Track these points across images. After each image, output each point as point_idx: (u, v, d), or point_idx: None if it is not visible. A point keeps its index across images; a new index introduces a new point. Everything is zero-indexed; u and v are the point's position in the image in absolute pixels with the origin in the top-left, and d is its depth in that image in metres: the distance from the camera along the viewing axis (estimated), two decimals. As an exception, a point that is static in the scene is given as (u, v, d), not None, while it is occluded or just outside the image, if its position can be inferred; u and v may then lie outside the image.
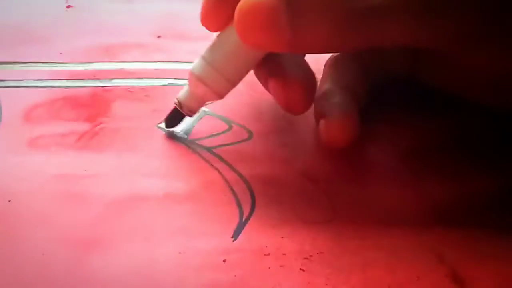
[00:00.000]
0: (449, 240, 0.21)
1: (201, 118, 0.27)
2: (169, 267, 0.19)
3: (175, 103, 0.25)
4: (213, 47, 0.23)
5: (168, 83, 0.30)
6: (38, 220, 0.20)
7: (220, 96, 0.24)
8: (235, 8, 0.20)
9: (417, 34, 0.20)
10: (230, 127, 0.27)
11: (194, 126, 0.26)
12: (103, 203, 0.21)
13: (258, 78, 0.26)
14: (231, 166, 0.24)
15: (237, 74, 0.23)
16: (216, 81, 0.23)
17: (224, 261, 0.19)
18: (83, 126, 0.26)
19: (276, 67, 0.23)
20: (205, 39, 0.36)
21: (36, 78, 0.29)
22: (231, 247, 0.20)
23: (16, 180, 0.22)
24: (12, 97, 0.27)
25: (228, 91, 0.24)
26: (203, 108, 0.28)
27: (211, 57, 0.23)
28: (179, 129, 0.26)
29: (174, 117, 0.25)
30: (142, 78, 0.30)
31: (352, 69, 0.26)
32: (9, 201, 0.21)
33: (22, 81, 0.29)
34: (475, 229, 0.21)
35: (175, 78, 0.30)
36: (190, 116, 0.25)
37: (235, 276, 0.19)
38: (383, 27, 0.19)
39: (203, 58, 0.23)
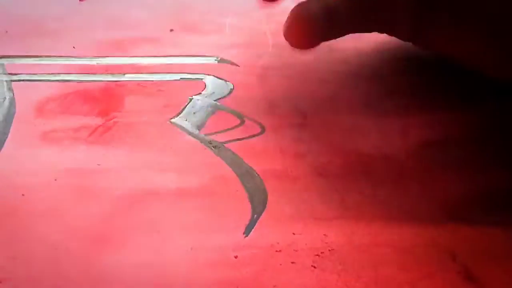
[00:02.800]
0: (461, 238, 0.21)
1: (213, 113, 0.27)
2: (181, 262, 0.19)
3: None
4: None
5: (181, 78, 0.30)
6: (51, 214, 0.21)
7: None
8: None
9: None
10: (243, 122, 0.26)
11: (206, 121, 0.26)
12: (116, 197, 0.22)
13: None
14: (243, 161, 0.24)
15: None
16: None
17: (235, 257, 0.19)
18: (95, 121, 0.26)
19: None
20: (217, 32, 0.36)
21: (49, 72, 0.29)
22: (243, 243, 0.20)
23: (29, 174, 0.22)
24: (25, 91, 0.28)
25: None
26: (215, 103, 0.28)
27: None
28: (191, 124, 0.26)
29: None
30: (154, 73, 0.30)
31: None
32: (23, 195, 0.21)
33: (35, 75, 0.29)
34: (487, 227, 0.21)
35: (187, 73, 0.30)
36: None
37: (246, 272, 0.19)
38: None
39: None
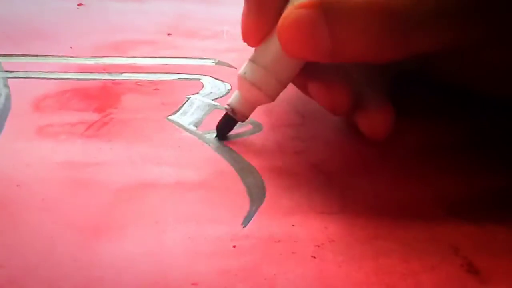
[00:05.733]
0: (463, 233, 0.20)
1: (211, 111, 0.27)
2: (179, 252, 0.19)
3: (227, 110, 0.24)
4: (262, 51, 0.23)
5: (178, 78, 0.30)
6: (46, 205, 0.20)
7: (273, 99, 0.23)
8: (275, 22, 0.21)
9: (452, 39, 0.20)
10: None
11: (204, 119, 0.26)
12: (113, 189, 0.21)
13: (294, 82, 0.25)
14: (241, 157, 0.24)
15: (288, 75, 0.23)
16: (269, 84, 0.23)
17: (234, 247, 0.19)
18: (92, 116, 0.26)
19: (314, 70, 0.23)
20: (214, 37, 0.36)
21: (46, 70, 0.29)
22: (242, 234, 0.20)
23: (25, 166, 0.22)
24: (22, 88, 0.27)
25: (279, 93, 0.23)
26: (212, 102, 0.28)
27: (264, 61, 0.23)
28: (188, 121, 0.26)
29: (226, 125, 0.25)
30: (152, 72, 0.30)
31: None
32: (17, 185, 0.21)
33: (31, 73, 0.29)
34: (488, 223, 0.21)
35: (184, 73, 0.30)
36: (242, 121, 0.25)
37: (245, 261, 0.18)
38: (419, 36, 0.20)
39: (254, 62, 0.23)
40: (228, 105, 0.24)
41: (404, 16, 0.19)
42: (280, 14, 0.21)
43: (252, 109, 0.24)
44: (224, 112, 0.24)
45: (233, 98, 0.24)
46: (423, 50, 0.20)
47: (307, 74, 0.23)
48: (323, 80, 0.23)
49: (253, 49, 0.24)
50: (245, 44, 0.35)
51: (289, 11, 0.20)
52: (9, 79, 0.28)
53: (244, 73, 0.23)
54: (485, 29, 0.20)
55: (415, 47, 0.20)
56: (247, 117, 0.24)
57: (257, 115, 0.27)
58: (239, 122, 0.25)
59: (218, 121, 0.25)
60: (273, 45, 0.22)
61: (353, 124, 0.24)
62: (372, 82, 0.25)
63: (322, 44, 0.20)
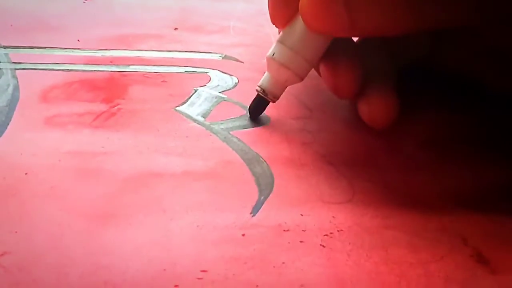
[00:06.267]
0: (472, 224, 0.20)
1: (218, 103, 0.27)
2: (187, 240, 0.18)
3: (258, 91, 0.25)
4: (289, 32, 0.23)
5: (185, 71, 0.30)
6: (54, 193, 0.20)
7: (302, 78, 0.24)
8: (298, 3, 0.21)
9: (468, 14, 0.20)
10: (248, 112, 0.26)
11: (211, 110, 0.26)
12: (120, 178, 0.21)
13: None
14: (249, 147, 0.24)
15: (315, 54, 0.24)
16: (297, 63, 0.23)
17: (243, 235, 0.19)
18: (100, 107, 0.26)
19: (328, 52, 0.24)
20: (220, 32, 0.36)
21: (53, 62, 0.29)
22: (250, 223, 0.19)
23: (33, 155, 0.22)
24: (29, 79, 0.27)
25: (308, 72, 0.24)
26: (220, 94, 0.28)
27: (290, 41, 0.23)
28: (196, 112, 0.26)
29: (259, 106, 0.25)
30: (159, 65, 0.30)
31: (379, 51, 0.26)
32: (26, 173, 0.21)
33: (39, 64, 0.29)
34: (497, 214, 0.21)
35: (192, 66, 0.30)
36: (274, 102, 0.25)
37: (254, 250, 0.18)
38: (436, 8, 0.20)
39: (282, 42, 0.23)
40: (259, 86, 0.25)
41: None
42: None
43: (282, 89, 0.25)
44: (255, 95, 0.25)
45: (263, 79, 0.25)
46: (434, 24, 0.21)
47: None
48: (331, 62, 0.24)
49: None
50: (251, 39, 0.35)
51: None
52: (17, 71, 0.28)
53: (273, 54, 0.24)
54: (487, 11, 0.20)
55: (427, 20, 0.20)
56: (278, 97, 0.25)
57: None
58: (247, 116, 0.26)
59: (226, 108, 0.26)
60: (298, 25, 0.23)
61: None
62: (381, 69, 0.25)
63: (339, 17, 0.20)
